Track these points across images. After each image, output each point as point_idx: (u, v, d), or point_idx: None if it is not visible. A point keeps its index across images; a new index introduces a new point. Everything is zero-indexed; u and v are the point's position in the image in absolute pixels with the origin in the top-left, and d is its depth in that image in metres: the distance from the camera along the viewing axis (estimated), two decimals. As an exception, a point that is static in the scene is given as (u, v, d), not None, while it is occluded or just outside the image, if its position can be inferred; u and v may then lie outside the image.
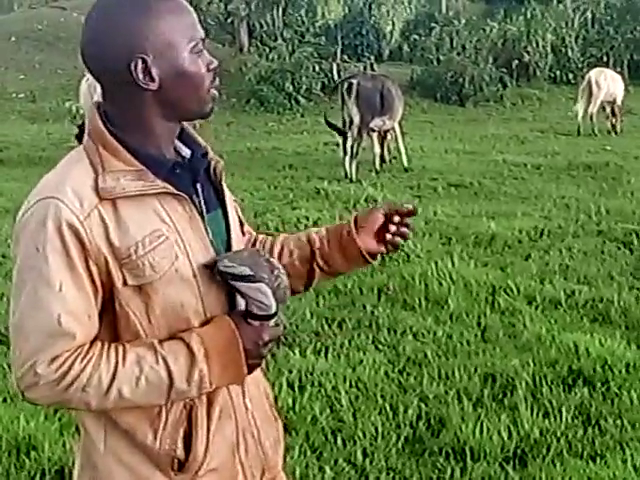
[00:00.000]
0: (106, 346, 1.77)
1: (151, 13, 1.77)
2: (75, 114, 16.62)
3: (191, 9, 1.85)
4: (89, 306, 1.75)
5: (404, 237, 2.12)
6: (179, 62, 1.79)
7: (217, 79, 1.87)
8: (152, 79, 1.78)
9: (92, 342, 1.77)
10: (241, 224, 2.06)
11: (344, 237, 2.13)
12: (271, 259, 1.88)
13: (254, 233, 2.23)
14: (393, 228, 2.10)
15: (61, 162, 1.86)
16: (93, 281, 1.75)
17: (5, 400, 4.71)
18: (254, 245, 2.19)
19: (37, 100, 24.43)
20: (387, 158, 14.13)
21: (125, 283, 1.77)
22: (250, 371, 1.86)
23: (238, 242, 1.97)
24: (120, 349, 1.77)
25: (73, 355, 1.73)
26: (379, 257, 2.20)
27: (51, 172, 1.84)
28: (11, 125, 21.23)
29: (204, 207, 1.88)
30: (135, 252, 1.75)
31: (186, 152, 1.93)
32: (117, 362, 1.75)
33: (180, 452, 1.84)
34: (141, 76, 1.77)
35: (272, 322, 1.86)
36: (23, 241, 1.75)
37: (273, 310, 1.83)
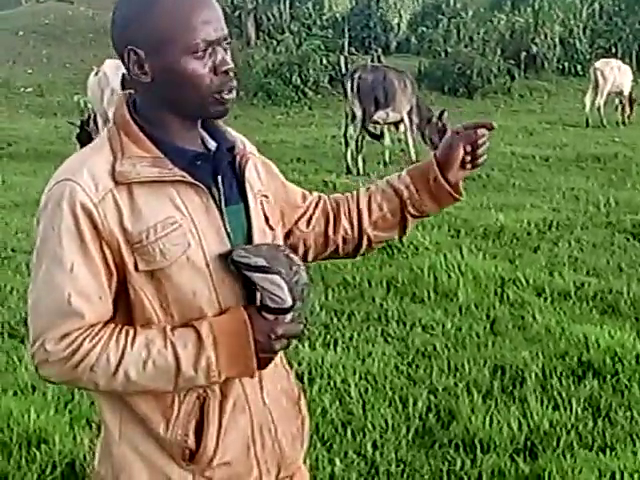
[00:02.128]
0: (118, 328, 1.79)
1: (155, 8, 1.78)
2: (83, 108, 16.62)
3: (214, 6, 1.82)
4: (100, 287, 1.78)
5: (484, 154, 2.15)
6: (172, 60, 1.79)
7: (232, 82, 1.84)
8: (145, 72, 1.81)
9: (106, 324, 1.79)
10: (266, 219, 2.01)
11: (432, 184, 2.14)
12: (292, 255, 1.86)
13: (315, 196, 2.23)
14: (470, 157, 2.14)
15: (86, 147, 1.91)
16: (107, 264, 1.78)
17: (15, 394, 4.72)
18: (326, 207, 2.21)
19: (45, 94, 24.51)
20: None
21: (137, 268, 1.78)
22: (262, 365, 1.85)
23: (261, 237, 1.94)
24: (131, 332, 1.79)
25: (83, 334, 1.76)
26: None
27: (73, 155, 1.89)
28: (19, 119, 21.31)
29: (223, 199, 1.87)
30: (147, 237, 1.77)
31: (212, 145, 1.94)
32: (126, 344, 1.76)
33: (191, 443, 1.84)
34: (133, 68, 1.81)
35: (288, 318, 1.83)
36: (42, 222, 1.79)
37: (287, 304, 1.81)
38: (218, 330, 1.79)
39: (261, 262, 1.79)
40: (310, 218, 2.19)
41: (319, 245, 2.20)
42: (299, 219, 2.18)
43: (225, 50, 1.83)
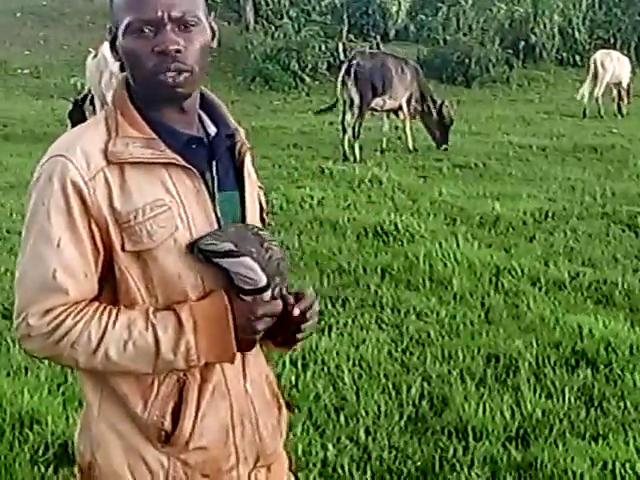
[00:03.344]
0: (101, 307, 1.80)
1: None
2: (80, 90, 16.56)
3: None
4: (87, 264, 1.78)
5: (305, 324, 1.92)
6: (123, 39, 1.82)
7: (168, 63, 1.77)
8: (116, 52, 1.86)
9: (90, 302, 1.80)
10: (261, 209, 2.02)
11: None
12: (261, 232, 1.85)
13: None
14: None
15: (83, 124, 1.93)
16: (94, 242, 1.78)
17: (9, 374, 4.72)
18: None
19: (42, 76, 24.38)
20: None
21: (124, 248, 1.79)
22: (243, 348, 1.85)
23: None
24: (114, 311, 1.79)
25: (67, 311, 1.77)
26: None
27: (68, 132, 1.90)
28: (16, 101, 21.21)
29: (216, 185, 1.87)
30: (135, 218, 1.78)
31: (213, 130, 1.93)
32: (108, 323, 1.77)
33: (167, 425, 1.85)
34: (110, 48, 1.88)
35: (267, 296, 1.82)
36: (33, 196, 1.80)
37: (262, 284, 1.80)
38: (198, 314, 1.80)
39: (228, 246, 1.78)
40: None
41: None
42: None
43: (176, 31, 1.78)
